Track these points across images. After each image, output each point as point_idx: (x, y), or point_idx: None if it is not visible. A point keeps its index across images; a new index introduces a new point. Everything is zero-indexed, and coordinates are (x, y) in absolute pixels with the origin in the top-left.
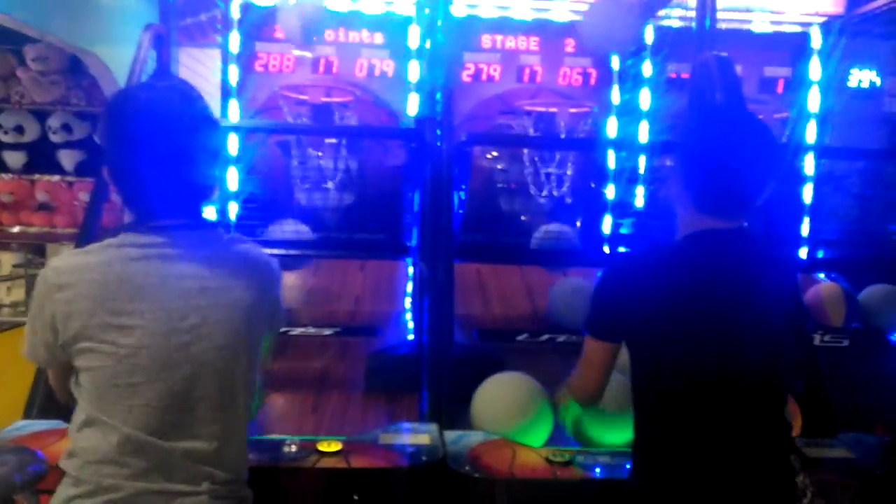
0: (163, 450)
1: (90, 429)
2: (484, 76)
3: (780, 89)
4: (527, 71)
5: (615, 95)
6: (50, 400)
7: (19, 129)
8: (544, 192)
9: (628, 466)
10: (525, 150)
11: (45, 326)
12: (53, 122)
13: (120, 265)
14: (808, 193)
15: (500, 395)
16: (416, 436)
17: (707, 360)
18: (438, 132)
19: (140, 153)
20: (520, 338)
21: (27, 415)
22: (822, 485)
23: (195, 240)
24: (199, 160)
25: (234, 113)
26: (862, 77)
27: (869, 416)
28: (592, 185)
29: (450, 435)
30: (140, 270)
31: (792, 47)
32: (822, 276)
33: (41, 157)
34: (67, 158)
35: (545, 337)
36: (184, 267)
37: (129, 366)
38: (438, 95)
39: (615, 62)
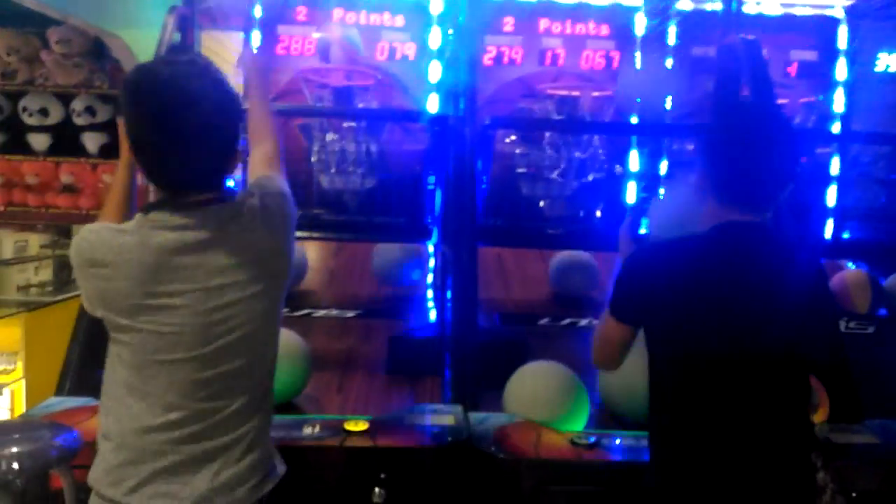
0: (199, 422)
1: (132, 398)
2: (505, 59)
3: (805, 73)
4: (549, 54)
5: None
6: (82, 377)
7: (44, 112)
8: (566, 177)
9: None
10: (547, 134)
11: (85, 291)
12: (77, 104)
13: (156, 247)
14: (834, 169)
15: (537, 386)
16: (442, 416)
17: (728, 353)
18: (462, 115)
19: (162, 129)
20: (542, 322)
21: (59, 392)
22: (847, 470)
23: (224, 216)
24: (221, 135)
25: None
26: (890, 61)
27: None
28: (618, 169)
29: (475, 416)
30: (176, 249)
31: (818, 31)
32: (848, 263)
33: (65, 140)
34: (91, 141)
35: (567, 321)
36: (218, 246)
37: (170, 343)
38: (461, 78)
39: (639, 45)
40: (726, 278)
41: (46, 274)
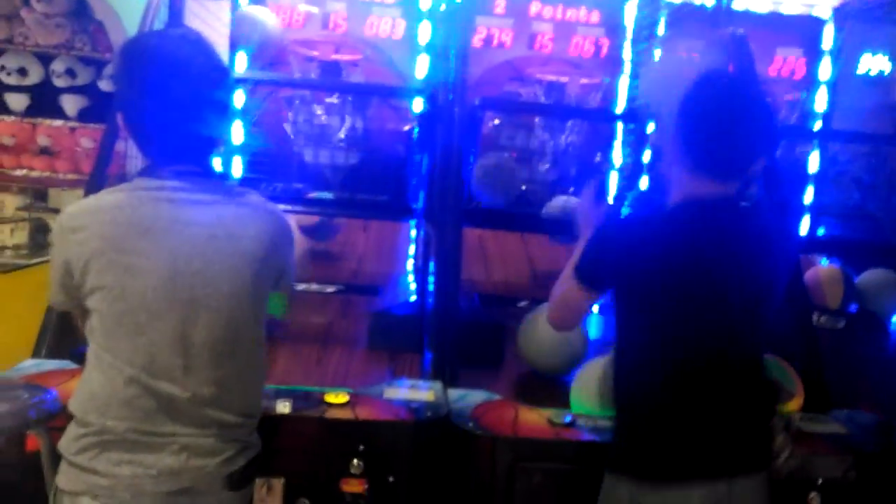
0: (167, 392)
1: (98, 370)
2: (495, 42)
3: (789, 71)
4: (539, 38)
5: (627, 68)
6: (59, 340)
7: (22, 72)
8: (550, 162)
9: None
10: (536, 119)
11: (62, 271)
12: (57, 65)
13: (130, 207)
14: (812, 175)
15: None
16: (421, 392)
17: (694, 325)
18: (451, 96)
19: (154, 100)
20: (521, 304)
21: (36, 354)
22: (814, 459)
23: (206, 187)
24: (211, 110)
25: (242, 64)
26: (872, 64)
27: (862, 396)
28: (597, 158)
29: (453, 393)
30: (149, 212)
31: (804, 30)
32: (821, 258)
33: (44, 101)
34: (70, 103)
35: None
36: (192, 212)
37: (134, 305)
38: (452, 58)
39: (629, 34)
40: (693, 252)
41: (21, 237)
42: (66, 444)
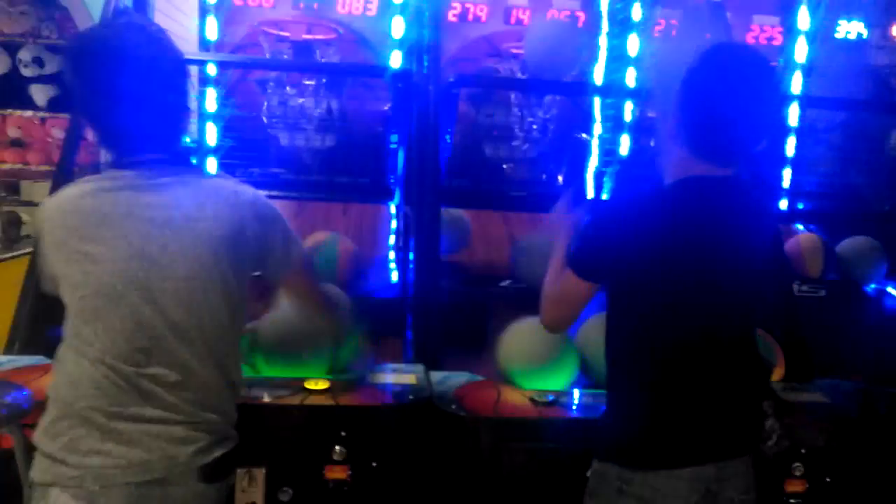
0: (133, 375)
1: (66, 355)
2: (470, 16)
3: (766, 39)
4: (514, 13)
5: (603, 40)
6: (32, 336)
7: None
8: (529, 140)
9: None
10: (512, 96)
11: (40, 261)
12: (24, 54)
13: (92, 196)
14: (791, 144)
15: (527, 339)
16: (403, 376)
17: (690, 307)
18: (425, 72)
19: (107, 95)
20: (503, 283)
21: (9, 350)
22: (796, 427)
23: (169, 174)
24: (168, 97)
25: (213, 30)
26: (849, 28)
27: (843, 364)
28: (578, 134)
29: (436, 375)
30: (109, 200)
31: None
32: (800, 226)
33: (12, 92)
34: (39, 93)
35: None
36: (151, 197)
37: (93, 291)
38: (426, 34)
39: (604, 5)
40: (690, 233)
41: None
42: (39, 433)
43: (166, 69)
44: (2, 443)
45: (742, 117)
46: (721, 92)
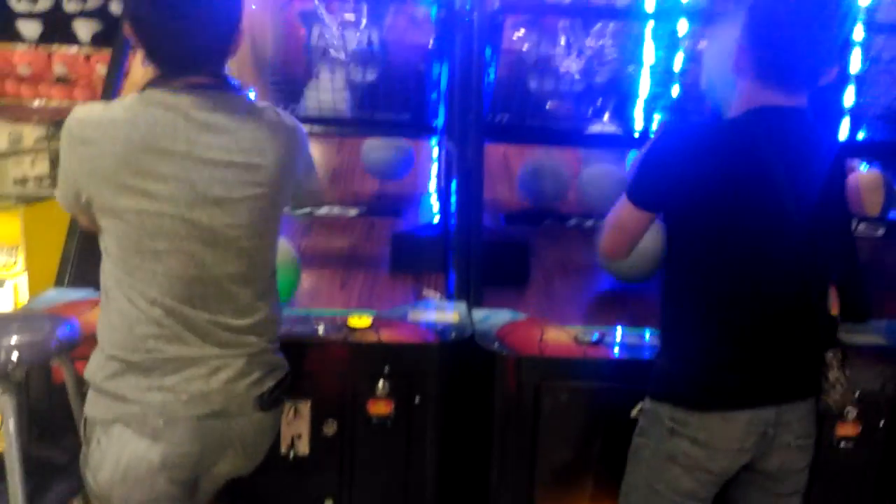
0: (191, 316)
1: (119, 292)
2: None
3: None
4: None
5: None
6: (82, 269)
7: None
8: (578, 72)
9: (655, 347)
10: (559, 25)
11: (70, 179)
12: None
13: (146, 126)
14: (853, 70)
15: None
16: (445, 313)
17: (754, 244)
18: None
19: (162, 6)
20: (546, 222)
21: (59, 284)
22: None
23: (222, 105)
24: (221, 13)
25: None
26: None
27: None
28: (630, 69)
29: (478, 313)
30: (167, 134)
31: None
32: (861, 163)
33: (56, 27)
34: (83, 28)
35: (573, 221)
36: (211, 138)
37: (152, 231)
38: None
39: None
40: (756, 164)
41: (43, 167)
42: (92, 371)
43: None
44: (55, 375)
45: (809, 38)
46: (790, 9)
